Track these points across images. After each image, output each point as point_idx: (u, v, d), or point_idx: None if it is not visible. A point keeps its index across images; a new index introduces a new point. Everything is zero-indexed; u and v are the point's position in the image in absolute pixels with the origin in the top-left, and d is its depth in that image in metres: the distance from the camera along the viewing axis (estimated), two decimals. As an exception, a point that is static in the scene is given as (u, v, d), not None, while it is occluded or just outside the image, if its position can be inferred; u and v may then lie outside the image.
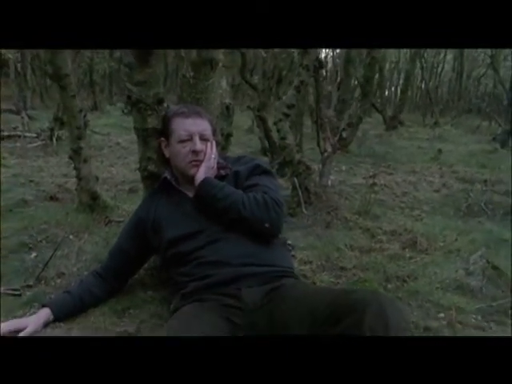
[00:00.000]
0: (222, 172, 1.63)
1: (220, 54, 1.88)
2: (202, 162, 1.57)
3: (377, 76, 12.57)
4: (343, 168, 5.36)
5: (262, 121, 3.98)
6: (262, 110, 4.70)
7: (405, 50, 14.37)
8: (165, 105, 1.69)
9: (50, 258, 1.96)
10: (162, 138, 1.67)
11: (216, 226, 1.51)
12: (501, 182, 4.38)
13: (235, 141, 7.84)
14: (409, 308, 1.87)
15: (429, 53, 19.66)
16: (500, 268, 2.18)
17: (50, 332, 1.52)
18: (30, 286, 1.79)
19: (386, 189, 4.20)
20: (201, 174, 1.56)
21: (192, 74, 1.74)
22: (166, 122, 1.64)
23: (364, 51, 7.13)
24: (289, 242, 2.39)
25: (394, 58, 18.20)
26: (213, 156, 1.60)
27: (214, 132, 1.67)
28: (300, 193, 3.05)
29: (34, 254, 2.07)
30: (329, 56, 13.82)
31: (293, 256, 2.27)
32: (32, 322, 1.49)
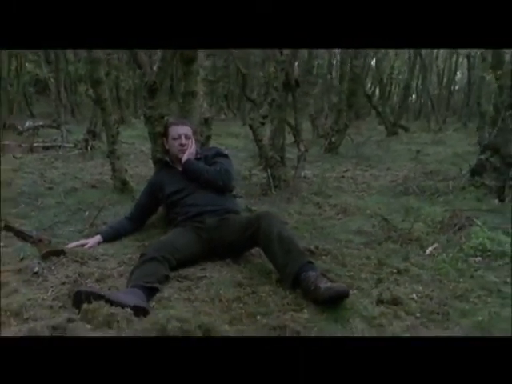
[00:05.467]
0: (198, 156, 2.80)
1: (201, 87, 3.07)
2: (186, 150, 2.74)
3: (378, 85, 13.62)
4: (326, 166, 6.43)
5: (251, 129, 5.09)
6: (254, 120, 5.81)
7: (407, 60, 15.34)
8: (165, 119, 2.88)
9: (97, 214, 3.16)
10: (164, 138, 2.85)
11: (193, 185, 2.67)
12: (446, 174, 5.42)
13: (243, 147, 8.91)
14: (319, 241, 2.97)
15: (440, 59, 20.07)
16: (389, 220, 3.28)
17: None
18: (86, 228, 2.99)
19: (351, 180, 5.28)
20: (185, 157, 2.73)
21: (181, 100, 2.93)
22: (166, 128, 2.83)
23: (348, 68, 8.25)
24: (254, 208, 3.53)
25: (397, 69, 19.05)
26: (192, 147, 2.77)
27: (194, 133, 2.85)
28: (271, 179, 4.20)
29: (87, 213, 3.29)
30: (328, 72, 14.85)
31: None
32: (91, 241, 2.66)
